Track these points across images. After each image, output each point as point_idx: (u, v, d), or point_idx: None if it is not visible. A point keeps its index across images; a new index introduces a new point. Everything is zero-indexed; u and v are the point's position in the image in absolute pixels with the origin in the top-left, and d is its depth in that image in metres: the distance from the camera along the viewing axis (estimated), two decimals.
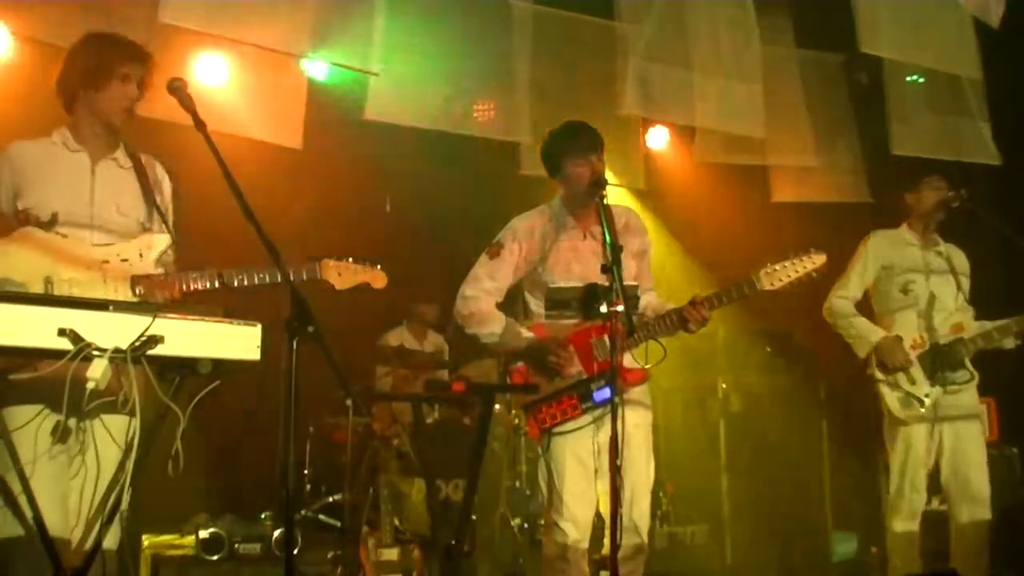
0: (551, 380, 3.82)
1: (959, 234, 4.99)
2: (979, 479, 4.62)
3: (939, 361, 4.65)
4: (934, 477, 4.67)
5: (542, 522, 4.04)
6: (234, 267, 3.16)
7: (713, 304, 3.79)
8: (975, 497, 4.59)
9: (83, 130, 3.17)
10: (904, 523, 4.63)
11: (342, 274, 3.38)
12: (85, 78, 3.12)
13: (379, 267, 3.50)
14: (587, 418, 3.77)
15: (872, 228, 5.00)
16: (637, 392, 3.85)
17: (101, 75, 3.11)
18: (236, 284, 3.09)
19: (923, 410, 4.60)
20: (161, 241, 3.15)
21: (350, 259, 3.40)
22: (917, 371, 4.65)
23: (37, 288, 2.87)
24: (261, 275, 3.13)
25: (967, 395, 4.70)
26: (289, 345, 2.69)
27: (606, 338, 3.75)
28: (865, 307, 4.91)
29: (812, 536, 6.74)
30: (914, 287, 4.75)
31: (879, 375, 4.70)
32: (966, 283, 4.85)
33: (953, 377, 4.64)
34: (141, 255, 3.07)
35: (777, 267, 3.84)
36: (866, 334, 4.75)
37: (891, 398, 4.67)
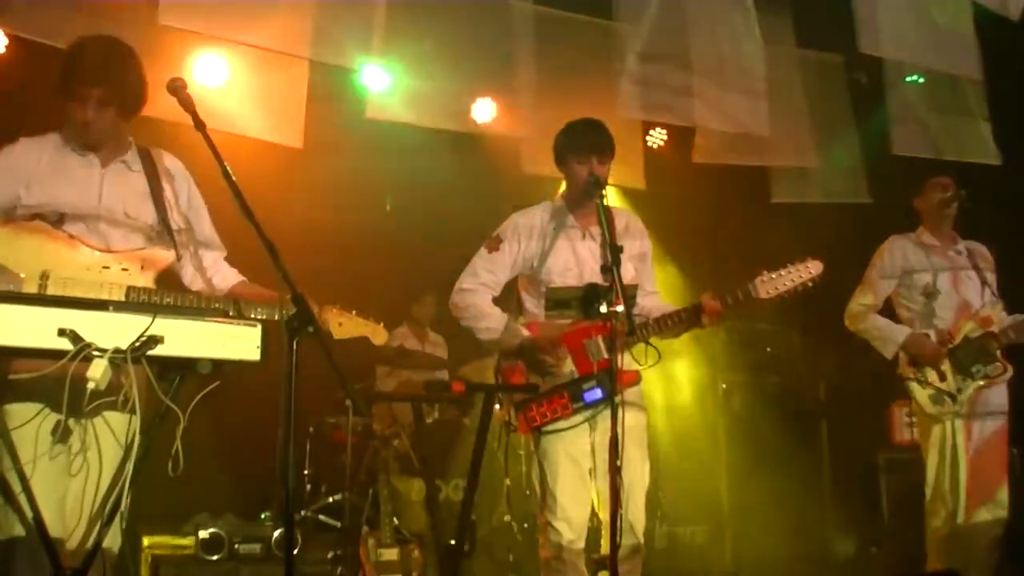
0: (544, 379, 3.82)
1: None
2: (1000, 480, 4.62)
3: (970, 356, 4.64)
4: None
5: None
6: (249, 301, 3.12)
7: (727, 302, 3.79)
8: (993, 497, 4.60)
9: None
10: (942, 522, 4.60)
11: (343, 324, 3.29)
12: (56, 91, 3.06)
13: (382, 324, 3.42)
14: (578, 418, 3.77)
15: (872, 229, 5.00)
16: (631, 393, 3.84)
17: (59, 91, 3.04)
18: (253, 316, 3.04)
19: (955, 406, 4.58)
20: (165, 259, 3.13)
21: (354, 311, 3.33)
22: (947, 367, 4.64)
23: (32, 281, 2.86)
24: (272, 309, 3.07)
25: (997, 392, 4.69)
26: (289, 345, 2.69)
27: (599, 338, 3.77)
28: (887, 312, 4.90)
29: (812, 536, 6.73)
30: (936, 287, 4.75)
31: (909, 373, 4.69)
32: (992, 277, 4.86)
33: (986, 371, 4.63)
34: (142, 267, 3.05)
35: (774, 275, 3.83)
36: (892, 334, 4.76)
37: (922, 395, 4.65)
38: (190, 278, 3.30)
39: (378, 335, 3.41)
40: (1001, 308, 4.79)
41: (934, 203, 4.85)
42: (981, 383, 4.62)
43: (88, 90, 3.00)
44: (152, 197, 3.17)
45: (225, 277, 3.35)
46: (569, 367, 3.84)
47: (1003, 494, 4.64)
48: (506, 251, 3.96)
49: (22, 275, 2.85)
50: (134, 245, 3.10)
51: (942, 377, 4.63)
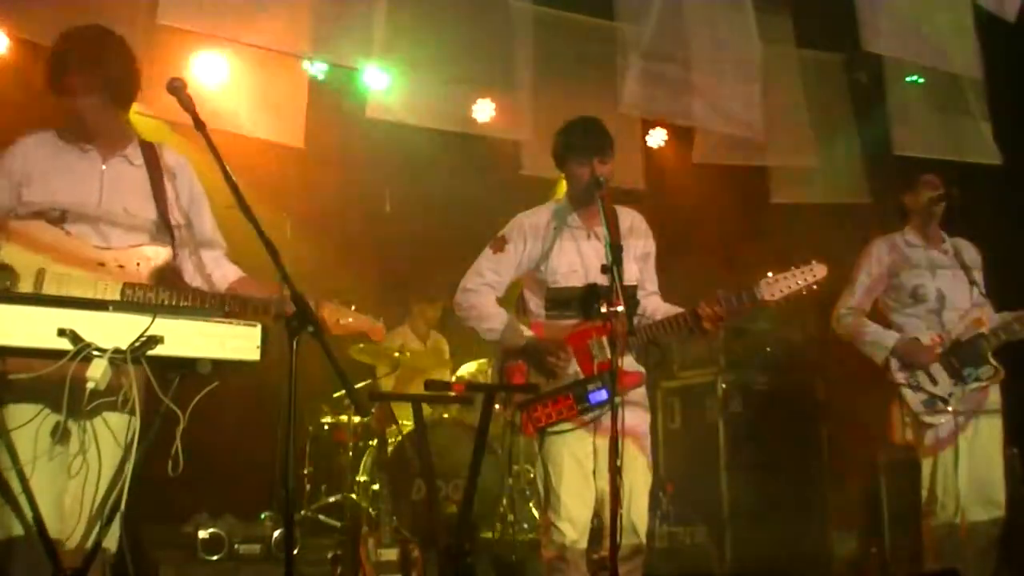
0: (548, 380, 3.82)
1: (956, 234, 4.98)
2: (996, 479, 4.61)
3: (961, 358, 4.60)
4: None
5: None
6: (241, 296, 3.12)
7: (732, 304, 3.77)
8: (991, 497, 4.58)
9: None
10: (940, 522, 4.57)
11: (340, 320, 3.26)
12: (47, 87, 3.02)
13: (381, 320, 3.40)
14: (583, 419, 3.77)
15: (872, 229, 4.97)
16: (636, 393, 3.85)
17: (50, 87, 3.01)
18: (250, 312, 3.03)
19: (949, 409, 4.56)
20: (160, 255, 3.11)
21: (352, 307, 3.31)
22: (938, 371, 4.61)
23: (29, 279, 2.85)
24: (264, 305, 3.06)
25: (991, 391, 4.65)
26: (289, 345, 2.69)
27: (603, 339, 3.77)
28: (876, 315, 4.87)
29: (812, 536, 6.73)
30: (924, 289, 4.71)
31: (900, 379, 4.66)
32: (979, 276, 4.79)
33: (977, 373, 4.59)
34: (138, 265, 3.05)
35: (778, 278, 3.81)
36: (881, 339, 4.71)
37: (914, 401, 4.62)
38: (190, 275, 3.28)
39: (376, 332, 3.40)
40: (990, 308, 4.76)
41: (923, 201, 4.79)
42: (973, 386, 4.60)
43: (73, 79, 2.97)
44: (153, 192, 3.15)
45: (225, 274, 3.34)
46: (574, 368, 3.84)
47: (1000, 494, 4.62)
48: (511, 251, 3.96)
49: (17, 273, 2.84)
50: (134, 242, 3.09)
51: (934, 381, 4.61)
